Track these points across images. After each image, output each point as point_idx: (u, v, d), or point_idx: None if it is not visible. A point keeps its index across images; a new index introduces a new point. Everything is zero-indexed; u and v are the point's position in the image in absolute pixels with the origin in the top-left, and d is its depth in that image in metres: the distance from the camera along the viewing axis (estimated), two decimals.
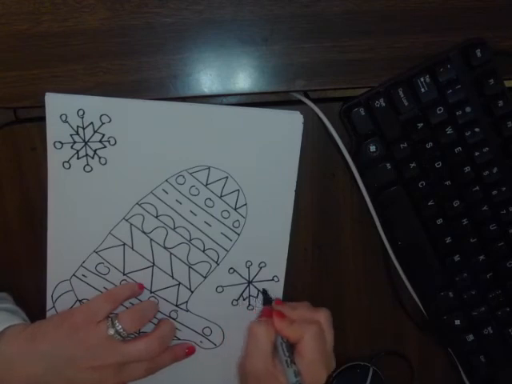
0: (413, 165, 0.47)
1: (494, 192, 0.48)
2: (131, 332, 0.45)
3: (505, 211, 0.49)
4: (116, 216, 0.47)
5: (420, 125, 0.47)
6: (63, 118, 0.45)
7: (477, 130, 0.47)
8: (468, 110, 0.47)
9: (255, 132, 0.47)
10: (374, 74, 0.47)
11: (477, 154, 0.47)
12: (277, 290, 0.50)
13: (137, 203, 0.47)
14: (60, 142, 0.45)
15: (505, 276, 0.51)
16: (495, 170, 0.48)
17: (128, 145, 0.46)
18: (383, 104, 0.46)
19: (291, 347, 0.45)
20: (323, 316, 0.46)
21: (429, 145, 0.47)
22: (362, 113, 0.46)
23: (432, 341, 0.54)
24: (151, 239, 0.48)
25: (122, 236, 0.48)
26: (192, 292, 0.50)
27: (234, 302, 0.50)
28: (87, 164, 0.46)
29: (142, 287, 0.48)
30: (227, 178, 0.47)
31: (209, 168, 0.47)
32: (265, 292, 0.50)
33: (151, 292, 0.49)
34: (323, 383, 0.45)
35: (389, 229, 0.50)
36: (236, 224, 0.49)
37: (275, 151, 0.47)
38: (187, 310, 0.50)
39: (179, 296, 0.50)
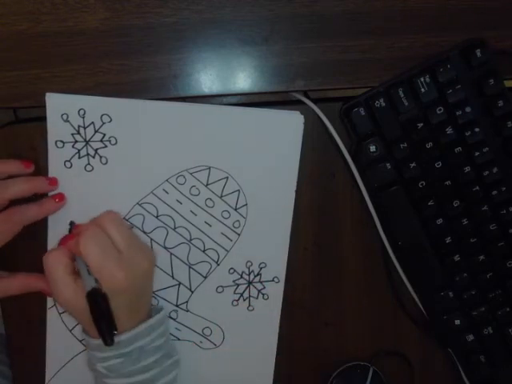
0: (413, 165, 0.47)
1: (494, 192, 0.49)
2: None
3: (505, 211, 0.49)
4: None
5: (420, 125, 0.47)
6: (64, 117, 0.45)
7: (477, 130, 0.47)
8: (468, 109, 0.47)
9: (255, 132, 0.47)
10: (374, 74, 0.47)
11: (477, 154, 0.47)
12: (277, 291, 0.50)
13: (137, 203, 0.47)
14: (61, 141, 0.45)
15: (505, 276, 0.51)
16: (495, 169, 0.48)
17: (129, 144, 0.46)
18: (383, 104, 0.46)
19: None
20: (101, 217, 0.43)
21: (429, 145, 0.47)
22: (362, 113, 0.46)
23: (432, 341, 0.54)
24: (151, 239, 0.48)
25: None
26: (192, 292, 0.50)
27: (234, 303, 0.50)
28: (88, 163, 0.46)
29: (53, 183, 0.46)
30: (227, 178, 0.47)
31: (209, 168, 0.47)
32: (71, 223, 0.46)
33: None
34: (123, 283, 0.41)
35: (389, 229, 0.50)
36: (236, 224, 0.49)
37: (275, 151, 0.47)
38: (187, 310, 0.50)
39: (179, 296, 0.49)
